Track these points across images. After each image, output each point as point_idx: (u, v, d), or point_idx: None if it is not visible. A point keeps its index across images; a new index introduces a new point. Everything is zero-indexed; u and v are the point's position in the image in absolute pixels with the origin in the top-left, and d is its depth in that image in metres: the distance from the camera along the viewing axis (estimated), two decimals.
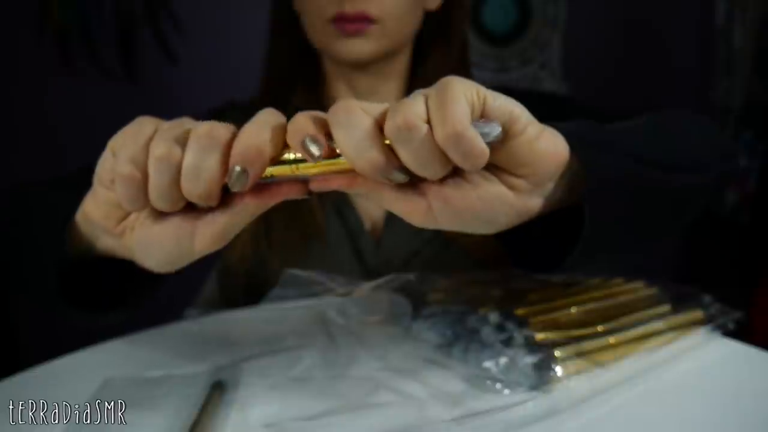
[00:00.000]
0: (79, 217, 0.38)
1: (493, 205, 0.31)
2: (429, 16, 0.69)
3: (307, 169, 0.30)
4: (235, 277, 0.69)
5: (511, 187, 0.32)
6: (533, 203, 0.33)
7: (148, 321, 0.53)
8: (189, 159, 0.30)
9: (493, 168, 0.31)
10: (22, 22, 1.40)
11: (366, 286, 0.53)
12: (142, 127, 0.32)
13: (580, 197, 0.34)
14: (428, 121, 0.28)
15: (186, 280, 0.46)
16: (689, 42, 1.69)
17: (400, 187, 0.31)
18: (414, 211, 0.32)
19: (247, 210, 0.33)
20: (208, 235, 0.33)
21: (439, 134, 0.27)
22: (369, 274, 0.66)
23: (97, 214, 0.36)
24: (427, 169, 0.29)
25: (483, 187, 0.31)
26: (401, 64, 0.69)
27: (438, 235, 0.67)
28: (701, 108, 1.65)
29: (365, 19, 0.61)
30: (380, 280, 0.52)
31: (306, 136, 0.29)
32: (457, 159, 0.28)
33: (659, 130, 0.43)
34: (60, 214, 0.39)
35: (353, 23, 0.61)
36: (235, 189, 0.30)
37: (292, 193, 0.32)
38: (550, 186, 0.33)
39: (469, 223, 0.32)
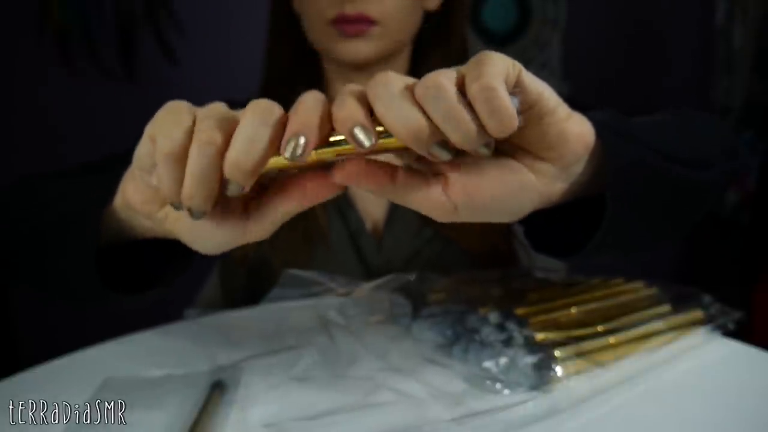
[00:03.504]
0: (118, 202, 0.38)
1: (518, 195, 0.32)
2: (428, 17, 0.69)
3: (343, 151, 0.30)
4: (237, 278, 0.69)
5: (536, 172, 0.32)
6: (557, 188, 0.33)
7: (148, 321, 0.53)
8: (245, 129, 0.30)
9: (520, 153, 0.32)
10: (22, 22, 1.40)
11: (366, 286, 0.53)
12: (179, 112, 0.32)
13: (601, 186, 0.34)
14: (462, 87, 0.28)
15: (186, 280, 0.46)
16: (689, 41, 1.68)
17: (424, 185, 0.31)
18: (438, 211, 0.32)
19: (290, 208, 0.33)
20: (257, 231, 0.34)
21: (472, 88, 0.27)
22: (371, 274, 0.66)
23: (138, 199, 0.36)
24: (458, 130, 0.27)
25: (508, 179, 0.31)
26: (401, 65, 0.69)
27: (438, 234, 0.68)
28: (701, 108, 1.65)
29: (366, 20, 0.61)
30: (380, 280, 0.52)
31: (355, 125, 0.28)
32: (485, 115, 0.27)
33: (674, 127, 0.44)
34: (93, 200, 0.39)
35: (354, 24, 0.61)
36: (292, 156, 0.29)
37: (332, 192, 0.32)
38: (574, 171, 0.33)
39: (494, 214, 0.32)
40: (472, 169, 0.31)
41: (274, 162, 0.31)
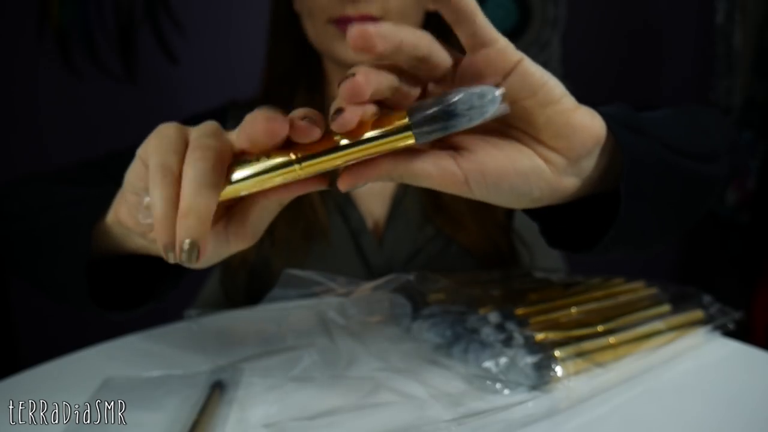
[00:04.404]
0: (111, 220, 0.38)
1: (528, 178, 0.32)
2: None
3: (333, 161, 0.30)
4: (238, 278, 0.69)
5: (547, 161, 0.32)
6: (568, 182, 0.33)
7: (148, 321, 0.53)
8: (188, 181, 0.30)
9: (530, 140, 0.32)
10: (22, 22, 1.40)
11: (366, 286, 0.53)
12: (168, 143, 0.32)
13: (612, 182, 0.34)
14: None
15: (186, 280, 0.46)
16: (689, 42, 1.68)
17: (434, 157, 0.31)
18: (449, 182, 0.31)
19: (270, 204, 0.33)
20: (240, 233, 0.34)
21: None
22: (371, 272, 0.66)
23: (131, 221, 0.36)
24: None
25: (519, 159, 0.32)
26: None
27: (440, 233, 0.68)
28: None
29: (368, 19, 0.61)
30: (380, 280, 0.52)
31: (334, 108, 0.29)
32: None
33: (681, 121, 0.44)
34: (85, 216, 0.39)
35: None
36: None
37: (314, 184, 0.32)
38: (585, 166, 0.33)
39: (503, 194, 0.32)
40: (484, 144, 0.32)
41: (251, 184, 0.31)
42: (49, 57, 1.42)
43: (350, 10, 0.60)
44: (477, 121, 0.28)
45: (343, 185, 0.31)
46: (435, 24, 0.69)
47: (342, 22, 0.61)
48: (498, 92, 0.28)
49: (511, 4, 1.63)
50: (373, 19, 0.61)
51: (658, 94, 1.69)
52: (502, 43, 0.29)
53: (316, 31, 0.64)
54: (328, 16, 0.62)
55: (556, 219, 0.39)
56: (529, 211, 0.38)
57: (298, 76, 0.70)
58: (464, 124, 0.28)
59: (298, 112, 0.29)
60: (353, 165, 0.30)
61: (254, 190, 0.31)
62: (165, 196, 0.31)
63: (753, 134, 1.49)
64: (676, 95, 1.68)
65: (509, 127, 0.32)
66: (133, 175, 0.34)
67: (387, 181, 0.32)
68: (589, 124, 0.32)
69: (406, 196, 0.68)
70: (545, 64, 0.30)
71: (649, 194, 0.35)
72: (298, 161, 0.30)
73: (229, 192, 0.31)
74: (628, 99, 0.42)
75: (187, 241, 0.29)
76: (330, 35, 0.63)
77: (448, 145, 0.32)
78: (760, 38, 1.48)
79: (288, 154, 0.30)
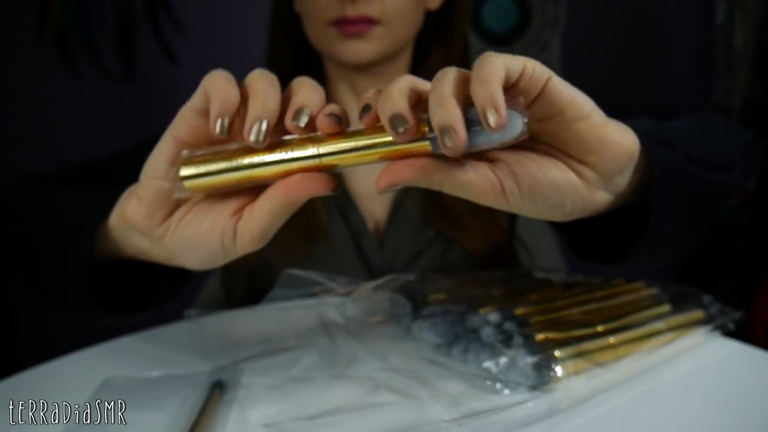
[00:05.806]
0: (115, 220, 0.37)
1: (560, 190, 0.32)
2: (429, 17, 0.69)
3: (367, 156, 0.31)
4: (238, 278, 0.69)
5: (579, 175, 0.32)
6: (600, 197, 0.33)
7: (148, 321, 0.53)
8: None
9: (562, 155, 0.32)
10: (22, 22, 1.40)
11: (366, 286, 0.53)
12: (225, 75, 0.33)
13: (640, 195, 0.35)
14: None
15: (184, 288, 0.46)
16: (689, 42, 1.69)
17: (474, 167, 0.31)
18: (488, 190, 0.31)
19: (279, 210, 0.34)
20: (246, 233, 0.34)
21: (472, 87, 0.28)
22: (372, 274, 0.66)
23: (140, 214, 0.35)
24: (441, 112, 0.27)
25: (552, 172, 0.32)
26: (402, 65, 0.69)
27: (441, 235, 0.68)
28: (701, 108, 1.65)
29: (367, 21, 0.61)
30: (380, 280, 0.52)
31: (393, 113, 0.28)
32: (480, 108, 0.27)
33: (698, 132, 0.44)
34: (88, 219, 0.38)
35: (355, 25, 0.61)
36: (299, 122, 0.32)
37: (321, 189, 0.32)
38: (620, 182, 0.33)
39: (537, 205, 0.32)
40: (517, 156, 0.32)
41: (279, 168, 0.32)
42: (49, 57, 1.42)
43: (350, 11, 0.60)
44: (496, 143, 0.29)
45: (380, 184, 0.31)
46: (435, 24, 0.69)
47: (342, 23, 0.61)
48: (522, 120, 0.28)
49: (511, 4, 1.63)
50: (371, 20, 0.61)
51: (658, 94, 1.69)
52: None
53: (317, 32, 0.64)
54: (328, 17, 0.61)
55: (583, 231, 0.39)
56: (556, 224, 0.39)
57: (298, 76, 0.70)
58: (482, 142, 0.28)
59: (329, 108, 0.31)
60: (391, 164, 0.30)
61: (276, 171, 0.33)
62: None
63: (753, 134, 1.49)
64: (676, 95, 1.69)
65: (540, 142, 0.32)
66: (157, 156, 0.34)
67: (424, 186, 0.31)
68: (620, 140, 0.32)
69: (407, 198, 0.68)
70: (545, 64, 0.29)
71: (676, 207, 0.36)
72: (319, 156, 0.32)
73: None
74: (628, 99, 0.42)
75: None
76: (330, 36, 0.63)
77: (482, 157, 0.32)
78: (760, 38, 1.48)
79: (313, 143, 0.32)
